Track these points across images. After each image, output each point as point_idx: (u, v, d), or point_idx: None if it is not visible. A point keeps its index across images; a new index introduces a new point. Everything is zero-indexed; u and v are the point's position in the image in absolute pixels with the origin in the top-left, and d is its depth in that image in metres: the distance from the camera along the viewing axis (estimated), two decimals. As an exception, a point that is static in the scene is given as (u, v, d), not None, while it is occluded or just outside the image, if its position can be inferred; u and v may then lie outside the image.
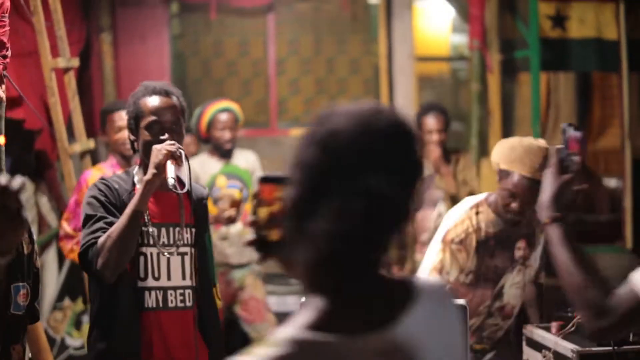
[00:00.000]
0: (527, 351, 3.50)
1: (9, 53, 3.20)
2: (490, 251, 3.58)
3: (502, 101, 6.82)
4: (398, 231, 1.39)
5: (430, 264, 3.58)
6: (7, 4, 3.21)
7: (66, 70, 4.48)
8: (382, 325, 1.36)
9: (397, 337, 1.36)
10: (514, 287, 3.63)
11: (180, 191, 2.95)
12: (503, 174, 3.47)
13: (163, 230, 2.98)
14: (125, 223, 2.80)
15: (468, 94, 7.22)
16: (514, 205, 3.45)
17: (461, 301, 2.67)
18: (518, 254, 3.61)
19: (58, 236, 4.69)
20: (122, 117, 4.05)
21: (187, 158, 2.93)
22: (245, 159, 5.53)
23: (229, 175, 5.39)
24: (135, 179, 3.01)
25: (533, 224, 3.60)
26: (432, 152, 5.38)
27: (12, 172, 3.19)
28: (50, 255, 5.68)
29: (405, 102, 7.29)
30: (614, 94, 6.73)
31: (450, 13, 7.76)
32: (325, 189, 1.34)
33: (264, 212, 1.43)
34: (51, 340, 5.44)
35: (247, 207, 5.19)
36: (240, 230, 5.28)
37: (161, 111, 2.96)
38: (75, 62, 4.59)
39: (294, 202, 1.37)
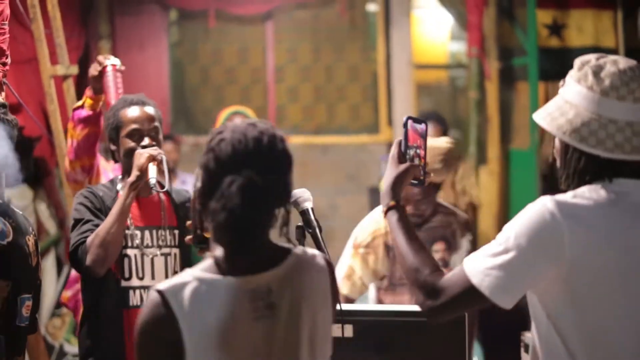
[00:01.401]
0: (524, 357, 3.50)
1: (8, 60, 3.21)
2: None
3: (500, 109, 6.83)
4: (272, 208, 1.96)
5: (341, 270, 3.62)
6: (7, 11, 3.22)
7: (65, 77, 4.48)
8: (256, 272, 1.95)
9: (264, 280, 1.95)
10: None
11: (161, 190, 3.15)
12: None
13: (146, 232, 3.19)
14: (111, 222, 3.01)
15: (466, 101, 7.24)
16: (409, 208, 3.46)
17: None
18: (437, 256, 3.61)
19: (57, 242, 4.70)
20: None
21: (167, 162, 3.15)
22: None
23: None
24: (118, 186, 3.21)
25: (453, 226, 3.62)
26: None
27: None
28: (49, 262, 5.69)
29: (404, 109, 7.31)
30: (612, 102, 6.75)
31: (448, 21, 7.78)
32: (216, 182, 1.93)
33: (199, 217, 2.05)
34: (50, 347, 5.44)
35: None
36: None
37: (140, 120, 3.19)
38: (74, 70, 4.59)
39: (200, 192, 1.98)
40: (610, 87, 2.08)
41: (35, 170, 5.60)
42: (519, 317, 3.76)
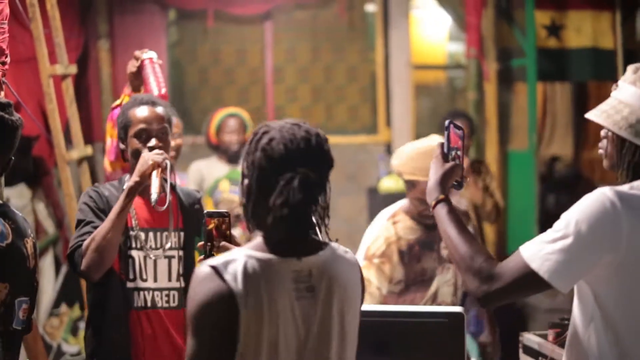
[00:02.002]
0: (523, 358, 3.51)
1: (8, 60, 3.21)
2: (417, 257, 3.65)
3: (498, 110, 6.84)
4: (319, 202, 2.13)
5: None
6: (7, 10, 3.21)
7: (64, 77, 4.48)
8: (300, 256, 2.10)
9: (306, 264, 2.10)
10: (445, 285, 3.69)
11: (160, 208, 3.07)
12: (409, 185, 3.57)
13: (150, 234, 3.18)
14: (107, 227, 2.98)
15: (465, 102, 7.24)
16: (428, 211, 3.49)
17: (458, 308, 2.68)
18: (445, 252, 3.65)
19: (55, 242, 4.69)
20: (177, 125, 4.29)
21: (172, 169, 3.11)
22: None
23: (233, 181, 5.45)
24: (125, 186, 3.14)
25: None
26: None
27: (9, 178, 3.20)
28: (47, 262, 5.68)
29: (402, 109, 7.31)
30: (610, 103, 6.75)
31: (447, 21, 7.78)
32: (270, 180, 2.07)
33: (213, 238, 2.35)
34: (47, 347, 5.44)
35: None
36: (240, 235, 5.30)
37: (149, 120, 3.16)
38: (73, 69, 4.59)
39: (252, 189, 2.11)
40: None
41: (34, 169, 5.60)
42: (518, 318, 3.76)
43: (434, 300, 3.64)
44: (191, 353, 2.03)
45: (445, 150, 2.41)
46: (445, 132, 2.43)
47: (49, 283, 5.65)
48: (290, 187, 2.04)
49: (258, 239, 2.12)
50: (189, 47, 7.56)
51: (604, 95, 7.40)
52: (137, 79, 3.56)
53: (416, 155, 3.51)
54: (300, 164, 2.07)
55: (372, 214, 6.81)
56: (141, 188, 3.03)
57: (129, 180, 3.05)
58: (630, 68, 2.33)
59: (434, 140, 3.56)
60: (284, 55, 7.55)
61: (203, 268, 2.04)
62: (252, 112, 7.44)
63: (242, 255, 2.07)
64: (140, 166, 3.02)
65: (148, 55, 3.58)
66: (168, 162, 3.07)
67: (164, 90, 3.53)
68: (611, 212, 2.14)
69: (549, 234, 2.18)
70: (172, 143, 3.42)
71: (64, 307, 5.66)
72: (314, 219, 2.14)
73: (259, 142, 2.10)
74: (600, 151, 2.33)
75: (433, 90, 8.18)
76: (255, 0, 7.19)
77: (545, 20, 6.47)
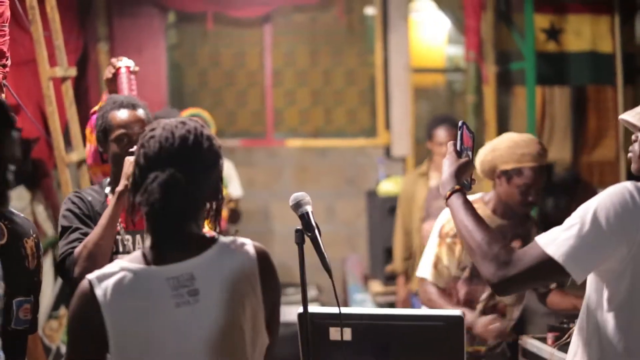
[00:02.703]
0: (522, 362, 3.51)
1: (8, 62, 3.21)
2: None
3: (497, 113, 6.84)
4: (197, 203, 2.10)
5: (428, 260, 3.66)
6: (7, 13, 3.22)
7: (64, 79, 4.48)
8: (178, 260, 2.08)
9: (186, 268, 2.08)
10: None
11: None
12: (512, 173, 3.56)
13: (138, 237, 3.11)
14: (99, 233, 2.93)
15: (464, 105, 7.24)
16: (532, 197, 3.55)
17: (457, 312, 2.68)
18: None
19: (55, 244, 4.67)
20: None
21: None
22: None
23: None
24: (107, 190, 3.13)
25: (527, 225, 3.66)
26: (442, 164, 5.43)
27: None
28: (46, 264, 5.67)
29: (401, 112, 7.32)
30: (609, 107, 6.75)
31: (446, 25, 7.78)
32: (145, 177, 2.06)
33: None
34: (47, 349, 5.43)
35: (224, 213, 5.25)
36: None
37: (129, 124, 3.09)
38: (73, 72, 4.59)
39: (131, 185, 2.12)
40: None
41: (33, 171, 5.60)
42: (517, 321, 3.76)
43: (492, 296, 3.62)
44: (67, 354, 2.10)
45: (459, 148, 2.49)
46: (459, 132, 2.51)
47: (47, 285, 5.64)
48: (152, 186, 2.05)
49: (138, 251, 2.13)
50: (188, 49, 7.57)
51: (602, 99, 7.41)
52: (114, 85, 3.53)
53: (514, 144, 3.54)
54: (171, 163, 2.06)
55: (371, 217, 6.82)
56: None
57: (119, 185, 2.96)
58: None
59: (525, 134, 3.64)
60: (283, 58, 7.55)
61: (83, 281, 2.09)
62: (251, 115, 7.46)
63: (118, 268, 2.08)
64: (126, 168, 2.94)
65: (124, 63, 3.55)
66: None
67: None
68: (631, 204, 2.16)
69: (566, 222, 2.21)
70: None
71: (62, 310, 5.66)
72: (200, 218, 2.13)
73: (143, 138, 2.12)
74: (630, 154, 2.34)
75: (432, 94, 8.19)
76: (255, 3, 7.20)
77: (545, 23, 6.48)
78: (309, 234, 2.35)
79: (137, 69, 3.60)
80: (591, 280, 2.32)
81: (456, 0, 7.05)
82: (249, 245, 2.18)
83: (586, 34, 6.53)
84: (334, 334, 2.63)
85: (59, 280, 5.72)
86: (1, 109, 2.39)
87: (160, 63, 6.89)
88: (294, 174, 7.32)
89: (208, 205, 2.14)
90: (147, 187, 2.05)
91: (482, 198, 3.70)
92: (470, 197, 3.72)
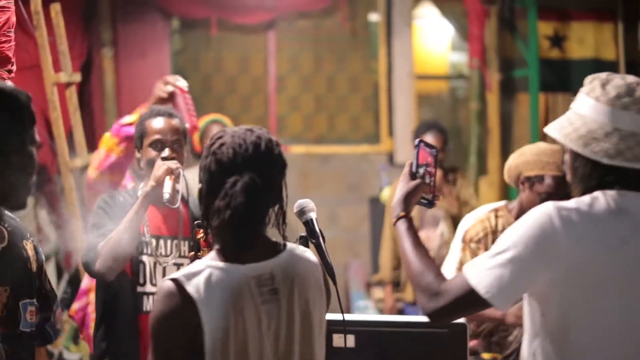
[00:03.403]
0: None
1: (14, 68, 3.22)
2: None
3: (500, 120, 6.84)
4: (269, 207, 2.17)
5: (451, 265, 3.67)
6: (13, 19, 3.23)
7: (68, 84, 4.50)
8: (257, 261, 2.15)
9: (267, 268, 2.14)
10: None
11: (172, 206, 3.16)
12: (535, 180, 3.58)
13: (162, 241, 3.29)
14: (122, 230, 3.08)
15: (467, 112, 7.25)
16: None
17: (460, 320, 2.68)
18: None
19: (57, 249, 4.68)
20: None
21: (184, 176, 3.20)
22: None
23: None
24: (139, 193, 3.26)
25: None
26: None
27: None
28: (49, 269, 5.68)
29: (405, 119, 7.32)
30: (612, 114, 6.75)
31: (449, 32, 7.79)
32: (219, 183, 2.11)
33: (200, 248, 2.43)
34: (49, 354, 5.43)
35: None
36: None
37: (164, 131, 3.26)
38: (77, 77, 4.60)
39: (204, 193, 2.17)
40: (616, 97, 2.17)
41: (37, 177, 5.60)
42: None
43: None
44: (152, 352, 2.08)
45: (414, 168, 2.41)
46: (415, 150, 2.43)
47: (50, 290, 5.64)
48: (234, 190, 2.09)
49: (216, 248, 2.17)
50: (192, 55, 7.57)
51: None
52: (163, 104, 3.68)
53: (542, 152, 3.56)
54: (247, 168, 2.12)
55: (374, 223, 6.81)
56: (156, 193, 3.11)
57: (145, 186, 3.15)
58: (588, 79, 2.27)
59: (547, 143, 3.64)
60: (286, 64, 7.56)
61: (166, 283, 2.09)
62: (255, 121, 7.46)
63: (204, 266, 2.11)
64: (155, 171, 3.12)
65: (182, 84, 3.74)
66: (181, 170, 3.17)
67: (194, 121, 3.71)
68: (550, 229, 2.10)
69: (493, 249, 2.16)
70: None
71: (65, 315, 5.65)
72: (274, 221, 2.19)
73: (212, 147, 2.17)
74: (564, 167, 2.30)
75: (435, 100, 8.19)
76: (258, 9, 7.21)
77: (548, 31, 6.49)
78: (313, 241, 2.37)
79: (187, 89, 3.81)
80: (525, 305, 2.26)
81: (460, 7, 7.06)
82: (310, 254, 2.27)
83: (590, 41, 6.53)
84: (338, 340, 2.63)
85: (62, 285, 5.72)
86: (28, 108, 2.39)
87: (164, 68, 6.90)
88: (297, 180, 7.32)
89: (272, 210, 2.20)
90: (227, 192, 2.10)
91: (506, 205, 3.73)
92: (494, 205, 3.77)
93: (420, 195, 2.40)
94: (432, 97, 8.15)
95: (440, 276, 2.20)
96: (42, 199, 5.68)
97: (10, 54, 3.20)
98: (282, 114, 7.56)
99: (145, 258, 3.24)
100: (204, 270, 2.10)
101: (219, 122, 5.70)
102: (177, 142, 3.27)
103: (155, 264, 3.24)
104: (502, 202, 3.78)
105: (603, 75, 2.23)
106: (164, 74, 6.91)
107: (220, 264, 2.12)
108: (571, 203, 2.15)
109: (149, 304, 3.21)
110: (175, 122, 3.30)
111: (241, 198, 2.09)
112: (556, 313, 2.13)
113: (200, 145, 5.69)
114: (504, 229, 3.63)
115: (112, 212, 3.21)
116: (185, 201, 3.35)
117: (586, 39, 6.54)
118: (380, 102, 7.46)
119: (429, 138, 5.51)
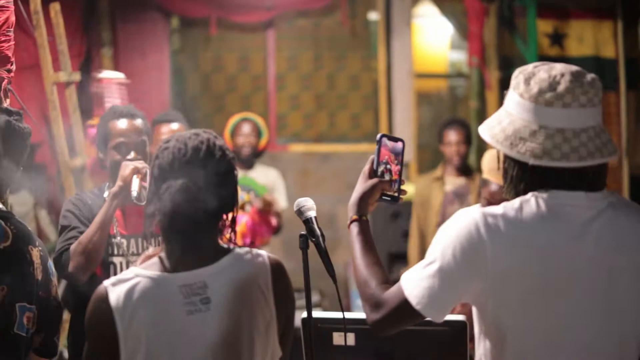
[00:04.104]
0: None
1: (13, 67, 3.22)
2: None
3: (500, 118, 6.84)
4: (210, 213, 2.11)
5: None
6: (12, 18, 3.23)
7: (67, 84, 4.49)
8: (192, 268, 2.12)
9: (200, 276, 2.11)
10: None
11: (140, 203, 3.18)
12: (482, 183, 3.60)
13: (132, 241, 3.30)
14: (93, 230, 3.11)
15: (466, 110, 7.25)
16: None
17: (461, 317, 2.68)
18: None
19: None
20: (171, 129, 4.51)
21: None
22: (266, 175, 5.74)
23: (243, 187, 5.46)
24: (105, 194, 3.30)
25: None
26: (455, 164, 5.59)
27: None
28: (49, 269, 5.68)
29: (404, 118, 7.32)
30: (611, 112, 6.75)
31: (449, 30, 7.80)
32: (158, 186, 2.10)
33: None
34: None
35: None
36: None
37: (127, 133, 3.29)
38: (77, 77, 4.60)
39: (147, 196, 2.17)
40: (539, 93, 2.04)
41: (36, 176, 5.60)
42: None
43: None
44: (84, 356, 2.18)
45: (375, 165, 2.32)
46: (377, 147, 2.33)
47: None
48: (164, 195, 2.09)
49: (155, 258, 2.18)
50: (191, 54, 7.58)
51: (605, 104, 7.43)
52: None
53: (491, 156, 3.54)
54: (184, 173, 2.10)
55: (374, 222, 6.81)
56: (125, 193, 3.15)
57: (114, 186, 3.17)
58: (515, 72, 2.12)
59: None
60: (286, 63, 7.56)
61: (100, 286, 2.15)
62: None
63: (133, 275, 2.13)
64: (122, 171, 3.16)
65: (106, 75, 3.78)
66: (147, 170, 3.18)
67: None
68: (475, 237, 2.00)
69: (425, 257, 2.07)
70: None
71: (65, 315, 5.65)
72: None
73: (158, 150, 2.17)
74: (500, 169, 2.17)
75: (435, 99, 8.19)
76: (258, 8, 7.21)
77: (548, 29, 6.49)
78: (313, 239, 2.36)
79: (127, 81, 3.80)
80: (473, 311, 2.18)
81: (459, 5, 7.06)
82: (264, 257, 2.22)
83: (589, 39, 6.54)
84: (338, 338, 2.63)
85: (62, 285, 5.72)
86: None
87: (163, 68, 6.90)
88: (297, 178, 7.32)
89: (224, 216, 2.16)
90: (160, 196, 2.09)
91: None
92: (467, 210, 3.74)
93: (378, 194, 2.29)
94: (432, 95, 8.15)
95: (383, 285, 2.11)
96: (42, 198, 5.68)
97: (10, 53, 3.20)
98: (282, 112, 7.56)
99: (115, 259, 3.25)
100: (131, 279, 2.12)
101: (251, 121, 5.79)
102: (141, 143, 3.29)
103: (127, 263, 3.25)
104: (476, 207, 3.75)
105: (529, 67, 2.09)
106: (163, 73, 6.94)
107: (149, 272, 2.13)
108: (499, 208, 2.04)
109: None
110: (138, 122, 3.32)
111: (169, 203, 2.07)
112: (492, 321, 2.06)
113: (231, 143, 5.75)
114: None
115: (81, 214, 3.23)
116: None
117: (586, 36, 6.54)
118: (380, 101, 7.46)
119: (451, 132, 5.60)
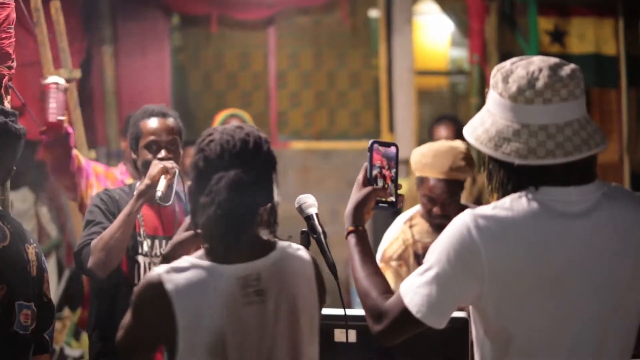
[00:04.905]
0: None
1: (14, 64, 3.22)
2: None
3: (501, 115, 6.84)
4: (257, 204, 2.13)
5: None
6: (13, 15, 3.23)
7: (68, 81, 4.49)
8: (246, 261, 2.13)
9: (253, 268, 2.12)
10: None
11: (164, 204, 3.16)
12: (419, 181, 3.57)
13: (156, 241, 3.27)
14: (115, 227, 3.07)
15: (467, 107, 7.25)
16: (436, 209, 3.53)
17: (462, 314, 2.68)
18: None
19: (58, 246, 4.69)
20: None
21: (180, 176, 3.21)
22: None
23: None
24: (135, 192, 3.23)
25: None
26: None
27: (13, 182, 3.22)
28: (50, 266, 5.68)
29: (405, 115, 7.32)
30: (612, 109, 6.76)
31: (449, 27, 7.79)
32: (206, 179, 2.09)
33: None
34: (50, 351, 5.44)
35: None
36: None
37: (158, 132, 3.25)
38: (77, 74, 4.60)
39: (191, 189, 2.16)
40: (518, 92, 1.99)
41: (37, 173, 5.60)
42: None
43: None
44: (126, 327, 2.17)
45: (368, 174, 2.26)
46: (368, 154, 2.27)
47: (51, 287, 5.64)
48: (218, 186, 2.07)
49: (205, 246, 2.16)
50: (192, 52, 7.57)
51: (606, 102, 7.43)
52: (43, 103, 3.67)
53: (427, 152, 3.53)
54: (234, 165, 2.10)
55: (374, 219, 6.81)
56: (151, 192, 3.11)
57: (141, 185, 3.13)
58: (493, 70, 2.07)
59: (455, 143, 3.59)
60: (287, 60, 7.56)
61: (153, 273, 2.11)
62: (255, 117, 7.44)
63: (189, 264, 2.11)
64: (151, 170, 3.12)
65: (52, 80, 3.69)
66: (177, 170, 3.16)
67: (61, 118, 3.61)
68: (468, 241, 1.96)
69: (423, 264, 2.05)
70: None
71: (66, 311, 5.66)
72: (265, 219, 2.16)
73: (201, 143, 2.16)
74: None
75: (435, 96, 8.19)
76: (259, 6, 7.20)
77: (549, 26, 6.49)
78: (314, 236, 2.36)
79: (66, 85, 3.76)
80: (471, 314, 2.15)
81: (460, 3, 7.06)
82: (303, 251, 2.26)
83: (590, 36, 6.54)
84: (339, 335, 2.63)
85: (63, 282, 5.73)
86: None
87: (164, 65, 6.89)
88: (298, 176, 7.32)
89: (262, 208, 2.16)
90: (212, 188, 2.08)
91: (420, 211, 3.70)
92: (409, 213, 3.72)
93: (373, 202, 2.26)
94: (433, 92, 8.15)
95: (384, 295, 2.09)
96: (42, 195, 5.68)
97: (11, 50, 3.20)
98: (282, 110, 7.56)
99: (140, 258, 3.23)
100: (188, 269, 2.10)
101: (238, 117, 5.75)
102: (172, 142, 3.26)
103: (150, 264, 3.23)
104: (417, 208, 3.71)
105: (507, 64, 2.05)
106: (164, 71, 6.93)
107: (205, 263, 2.12)
108: (489, 209, 2.01)
109: None
110: (169, 121, 3.29)
111: (225, 194, 2.07)
112: (495, 322, 2.03)
113: None
114: (421, 237, 3.62)
115: (107, 209, 3.20)
116: (180, 200, 3.33)
117: (587, 34, 6.54)
118: (381, 98, 7.46)
119: (441, 129, 5.56)
